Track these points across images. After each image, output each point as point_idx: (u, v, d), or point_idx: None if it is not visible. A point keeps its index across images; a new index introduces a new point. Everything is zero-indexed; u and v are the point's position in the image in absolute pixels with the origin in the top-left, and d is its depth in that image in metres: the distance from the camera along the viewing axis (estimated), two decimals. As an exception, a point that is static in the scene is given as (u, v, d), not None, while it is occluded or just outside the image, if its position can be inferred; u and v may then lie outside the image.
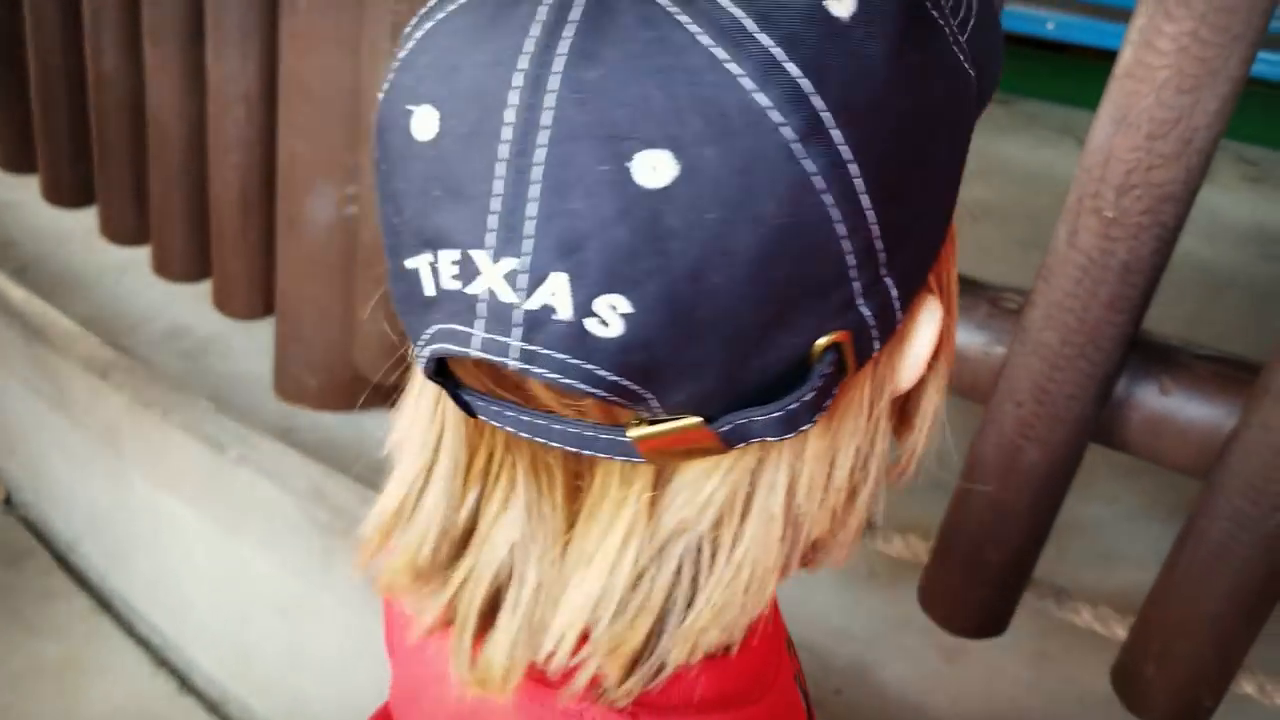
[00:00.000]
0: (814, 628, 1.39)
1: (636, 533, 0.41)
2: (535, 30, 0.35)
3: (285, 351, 1.80)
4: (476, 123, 0.35)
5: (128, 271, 2.20)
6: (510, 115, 0.35)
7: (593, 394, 0.37)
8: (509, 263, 0.35)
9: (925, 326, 0.42)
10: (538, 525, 0.43)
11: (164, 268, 2.12)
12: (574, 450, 0.40)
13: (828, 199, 0.35)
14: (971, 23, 0.42)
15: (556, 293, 0.35)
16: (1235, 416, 1.06)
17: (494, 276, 0.36)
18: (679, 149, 0.33)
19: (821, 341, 0.37)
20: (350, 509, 1.56)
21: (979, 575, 1.25)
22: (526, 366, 0.36)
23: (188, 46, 1.85)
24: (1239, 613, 1.09)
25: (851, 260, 0.36)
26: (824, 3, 0.34)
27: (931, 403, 0.46)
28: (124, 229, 2.22)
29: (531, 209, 0.35)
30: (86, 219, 2.34)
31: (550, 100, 0.34)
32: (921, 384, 0.44)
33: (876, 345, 0.39)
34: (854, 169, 0.35)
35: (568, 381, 0.36)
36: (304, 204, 1.63)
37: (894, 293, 0.38)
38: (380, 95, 0.40)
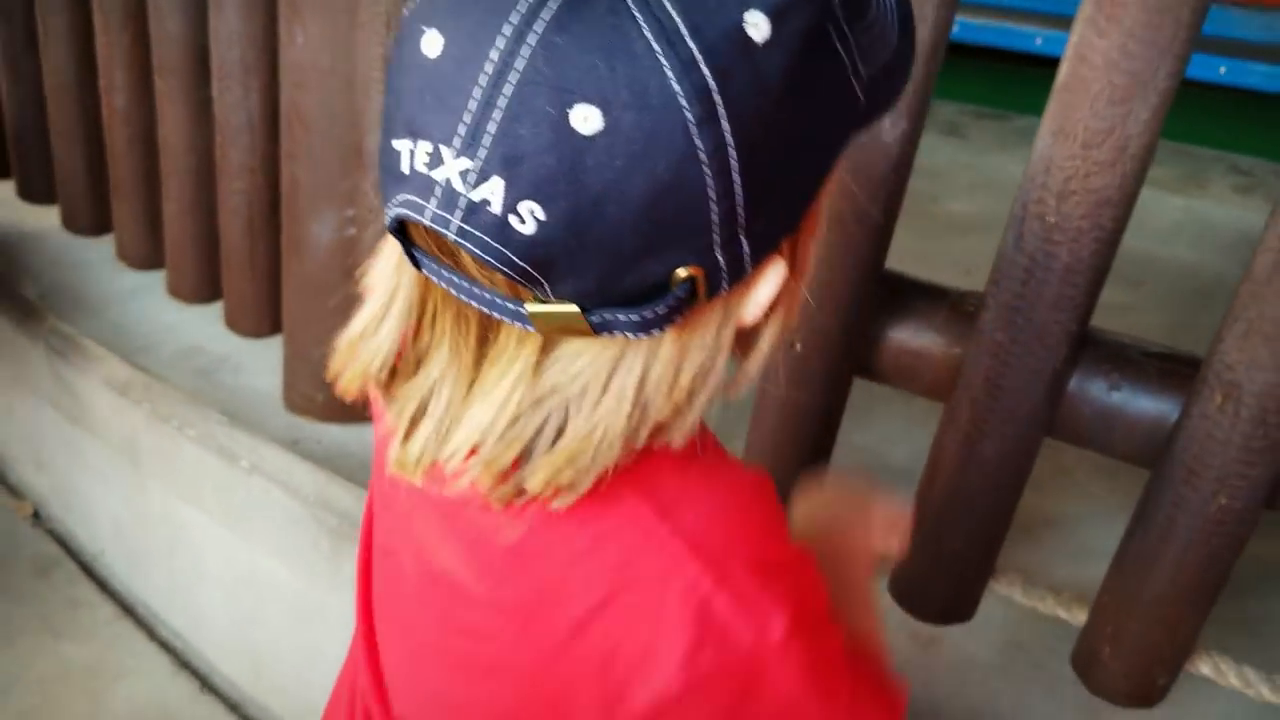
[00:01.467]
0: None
1: (521, 384, 0.52)
2: None
3: (292, 367, 1.83)
4: (468, 53, 0.45)
5: (143, 294, 2.23)
6: (494, 55, 0.44)
7: (504, 272, 0.47)
8: (465, 162, 0.46)
9: (769, 280, 0.52)
10: (454, 362, 0.54)
11: (177, 290, 2.17)
12: (486, 311, 0.50)
13: (707, 171, 0.45)
14: (883, 61, 0.53)
15: (495, 191, 0.45)
16: (1179, 408, 1.12)
17: (452, 170, 0.46)
18: (607, 109, 0.43)
19: (681, 272, 0.48)
20: (356, 513, 1.59)
21: (942, 563, 1.31)
22: (461, 240, 0.47)
23: (194, 82, 1.90)
24: (1183, 595, 1.14)
25: (715, 219, 0.46)
26: (744, 26, 0.44)
27: (766, 342, 0.56)
28: (139, 254, 2.27)
29: (491, 127, 0.45)
30: (104, 246, 2.38)
31: (525, 51, 0.44)
32: (762, 325, 0.55)
33: (725, 286, 0.50)
34: (733, 153, 0.45)
35: (487, 258, 0.47)
36: (306, 228, 1.66)
37: (746, 250, 0.49)
38: (405, 12, 0.50)
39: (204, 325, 2.12)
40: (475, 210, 0.46)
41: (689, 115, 0.44)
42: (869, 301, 1.25)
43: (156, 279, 2.25)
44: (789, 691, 0.56)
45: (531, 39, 0.44)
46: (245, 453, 1.73)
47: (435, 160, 0.47)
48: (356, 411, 1.81)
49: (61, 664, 2.00)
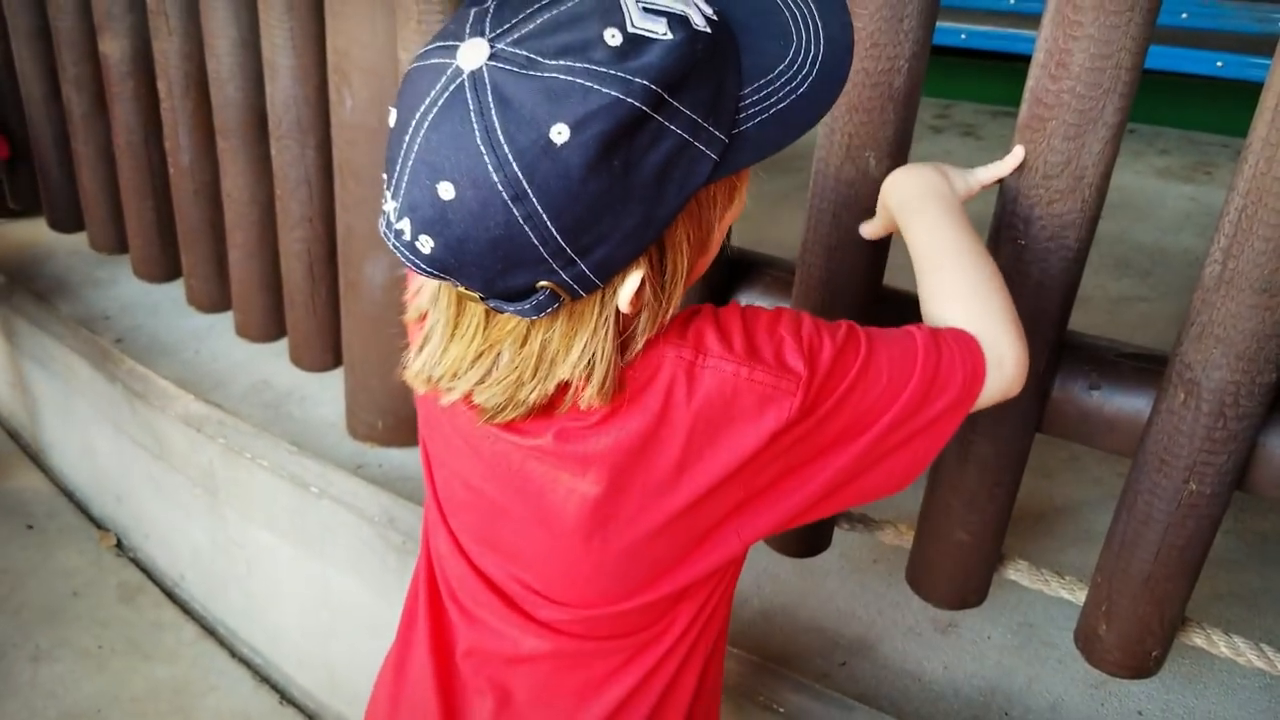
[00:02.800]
0: (823, 610, 1.53)
1: (477, 336, 0.74)
2: (429, 97, 0.64)
3: (354, 398, 1.94)
4: (398, 133, 0.66)
5: (212, 335, 2.35)
6: (407, 137, 0.65)
7: (424, 272, 0.69)
8: (394, 203, 0.67)
9: (627, 284, 0.70)
10: (443, 314, 0.76)
11: (245, 330, 2.29)
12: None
13: (526, 227, 0.64)
14: (760, 118, 0.70)
15: (406, 225, 0.67)
16: (1151, 404, 1.22)
17: (390, 206, 0.68)
18: (456, 185, 0.64)
19: (541, 284, 0.67)
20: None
21: (952, 554, 1.42)
22: (394, 253, 0.69)
23: (254, 142, 2.02)
24: (1167, 572, 1.24)
25: (545, 254, 0.65)
26: (549, 133, 0.62)
27: (644, 329, 0.74)
28: (207, 298, 2.39)
29: (403, 184, 0.66)
30: (174, 291, 2.51)
31: (421, 137, 0.64)
32: (636, 315, 0.73)
33: (582, 292, 0.68)
34: (545, 216, 0.64)
35: (410, 266, 0.69)
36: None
37: (588, 271, 0.67)
38: None
39: (270, 362, 2.23)
40: (400, 235, 0.68)
41: (504, 194, 0.63)
42: (870, 318, 1.37)
43: (224, 320, 2.38)
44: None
45: (421, 131, 0.64)
46: (314, 479, 1.83)
47: (384, 199, 0.69)
48: (415, 436, 1.92)
49: (152, 683, 2.12)
